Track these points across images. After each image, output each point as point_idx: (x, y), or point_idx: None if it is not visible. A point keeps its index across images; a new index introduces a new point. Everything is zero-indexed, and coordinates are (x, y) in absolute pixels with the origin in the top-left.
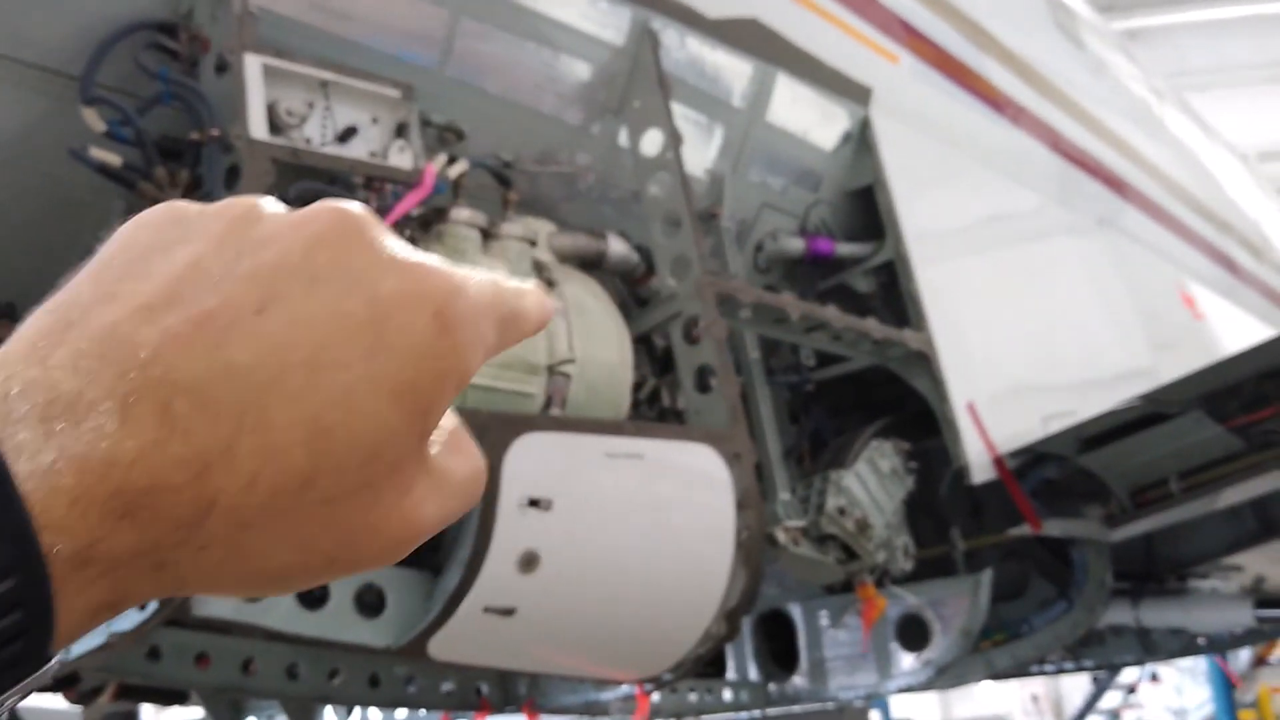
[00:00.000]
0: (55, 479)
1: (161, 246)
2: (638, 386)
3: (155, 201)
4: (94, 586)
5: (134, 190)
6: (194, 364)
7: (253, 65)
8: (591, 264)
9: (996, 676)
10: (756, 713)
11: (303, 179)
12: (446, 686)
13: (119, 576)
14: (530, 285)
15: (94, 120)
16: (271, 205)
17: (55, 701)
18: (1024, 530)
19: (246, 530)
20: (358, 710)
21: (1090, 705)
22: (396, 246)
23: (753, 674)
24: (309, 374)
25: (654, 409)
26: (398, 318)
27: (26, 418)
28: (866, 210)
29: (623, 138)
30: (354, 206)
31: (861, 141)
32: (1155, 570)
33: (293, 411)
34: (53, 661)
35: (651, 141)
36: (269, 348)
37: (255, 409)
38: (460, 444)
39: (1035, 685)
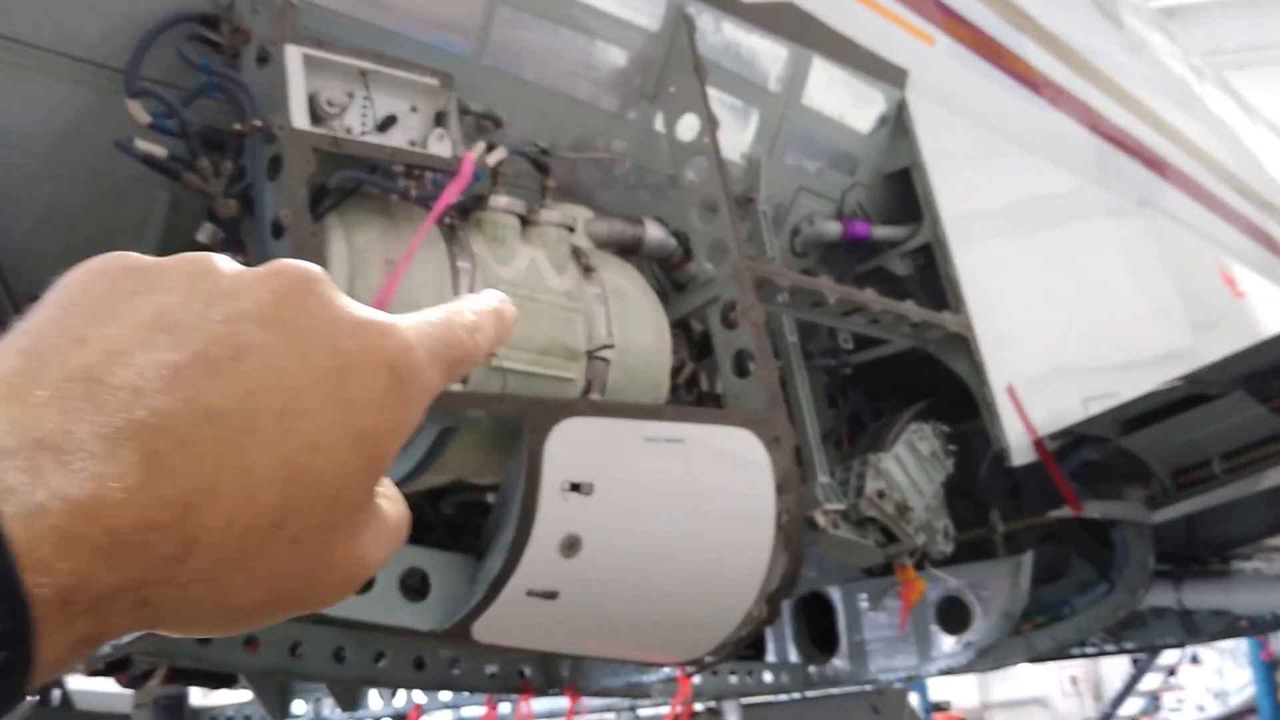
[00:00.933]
0: (44, 519)
1: (122, 294)
2: (676, 371)
3: (201, 192)
4: (76, 623)
5: (179, 181)
6: (175, 407)
7: (294, 56)
8: (629, 250)
9: (1037, 659)
10: (796, 694)
11: (344, 168)
12: (490, 669)
13: (102, 613)
14: (488, 303)
15: (139, 112)
16: (225, 261)
17: (107, 685)
18: (1065, 512)
19: (223, 568)
20: (402, 693)
21: (1130, 687)
22: (352, 305)
23: (792, 656)
24: (281, 420)
25: (692, 393)
26: (357, 372)
27: (14, 456)
28: (903, 193)
29: (659, 123)
30: (312, 266)
31: (898, 124)
32: (1197, 552)
33: (267, 455)
34: (28, 698)
35: (688, 126)
36: (244, 394)
37: (233, 452)
38: (389, 489)
39: (1074, 667)
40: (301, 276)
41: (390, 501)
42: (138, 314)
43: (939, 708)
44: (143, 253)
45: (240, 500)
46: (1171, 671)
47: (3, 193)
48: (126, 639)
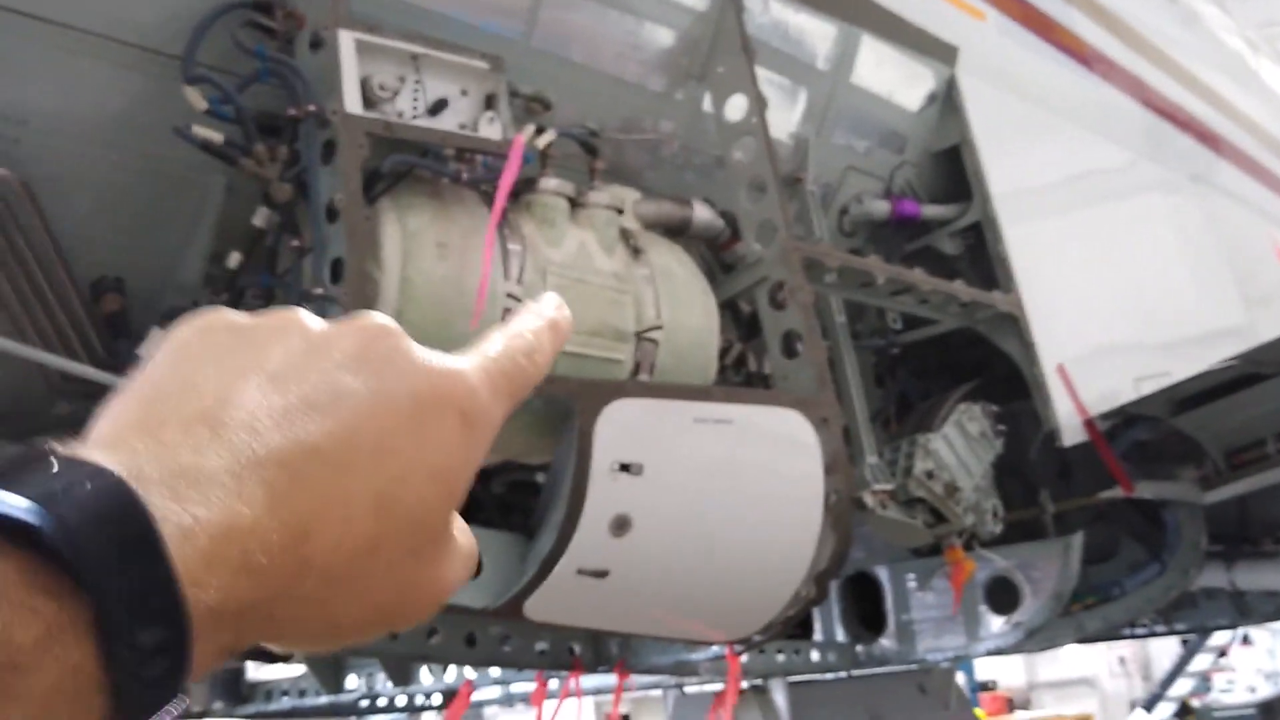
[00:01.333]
0: (193, 541)
1: (225, 348)
2: (724, 352)
3: (257, 177)
4: (220, 634)
5: (235, 166)
6: (286, 445)
7: (346, 41)
8: (677, 230)
9: (1086, 639)
10: (843, 673)
11: (396, 152)
12: (540, 646)
13: (240, 626)
14: (544, 316)
15: (196, 99)
16: (311, 317)
17: None
18: (1116, 493)
19: (333, 587)
20: (453, 668)
21: (1180, 668)
22: (424, 353)
23: (840, 635)
24: (373, 456)
25: (740, 374)
26: (432, 415)
27: (159, 485)
28: (953, 171)
29: (707, 103)
30: (389, 320)
31: (947, 101)
32: (1250, 532)
33: (363, 486)
34: (183, 700)
35: (736, 106)
36: (342, 432)
37: (336, 483)
38: (459, 521)
39: (1123, 648)
40: (381, 330)
41: (462, 533)
42: (243, 365)
43: (985, 687)
44: (198, 234)
45: (344, 525)
46: (1222, 652)
47: (62, 177)
48: None
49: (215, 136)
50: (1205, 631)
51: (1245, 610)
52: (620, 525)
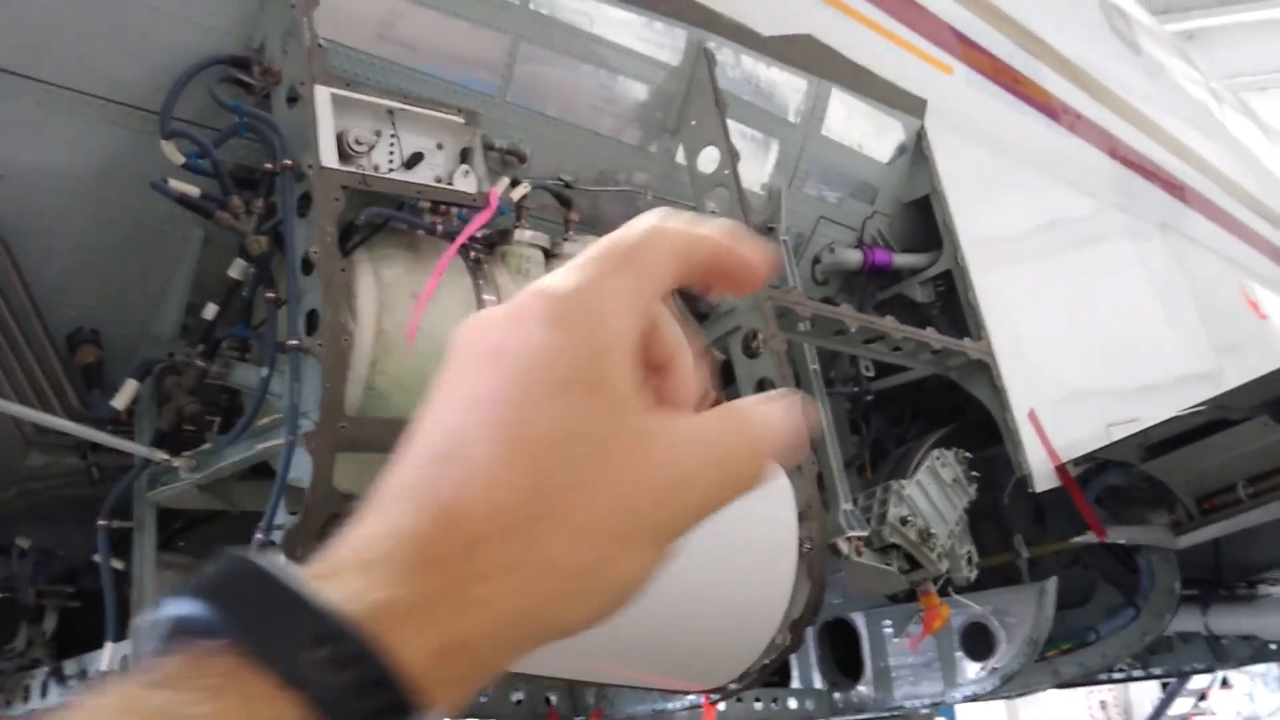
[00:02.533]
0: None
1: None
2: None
3: (234, 230)
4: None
5: (211, 219)
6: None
7: (323, 96)
8: None
9: (1064, 685)
10: None
11: (372, 204)
12: (516, 696)
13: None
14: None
15: (173, 153)
16: None
17: None
18: (1089, 538)
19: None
20: None
21: (1160, 712)
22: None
23: (817, 682)
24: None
25: None
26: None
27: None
28: (923, 221)
29: (680, 156)
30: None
31: (917, 152)
32: (1224, 577)
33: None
34: None
35: (709, 159)
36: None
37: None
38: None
39: (1104, 692)
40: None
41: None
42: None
43: None
44: (174, 286)
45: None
46: (1202, 696)
47: (42, 230)
48: None
49: (192, 190)
50: (1183, 675)
51: (1221, 654)
52: None
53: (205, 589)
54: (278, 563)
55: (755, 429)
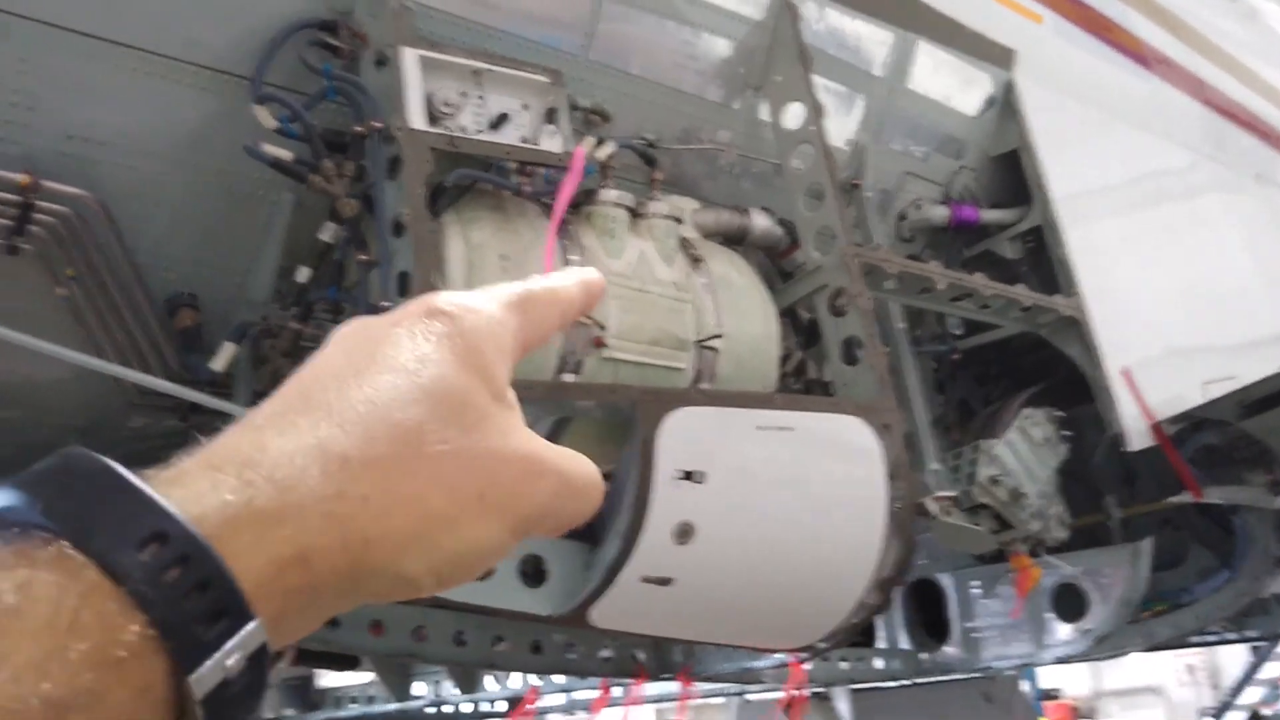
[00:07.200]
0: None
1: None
2: (784, 359)
3: (325, 193)
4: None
5: (303, 182)
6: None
7: (410, 58)
8: (735, 239)
9: (1156, 647)
10: (906, 681)
11: (459, 166)
12: (605, 653)
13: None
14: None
15: (265, 117)
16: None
17: None
18: (1184, 498)
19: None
20: (517, 675)
21: (1249, 675)
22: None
23: (903, 643)
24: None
25: (800, 381)
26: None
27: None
28: (1012, 175)
29: (764, 112)
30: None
31: (1006, 105)
32: None
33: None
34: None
35: (793, 115)
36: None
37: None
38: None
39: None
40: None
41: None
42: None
43: (1049, 696)
44: (267, 250)
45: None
46: None
47: (137, 196)
48: None
49: (284, 154)
50: (1276, 638)
51: None
52: (684, 533)
53: (33, 481)
54: (116, 462)
55: (586, 474)
